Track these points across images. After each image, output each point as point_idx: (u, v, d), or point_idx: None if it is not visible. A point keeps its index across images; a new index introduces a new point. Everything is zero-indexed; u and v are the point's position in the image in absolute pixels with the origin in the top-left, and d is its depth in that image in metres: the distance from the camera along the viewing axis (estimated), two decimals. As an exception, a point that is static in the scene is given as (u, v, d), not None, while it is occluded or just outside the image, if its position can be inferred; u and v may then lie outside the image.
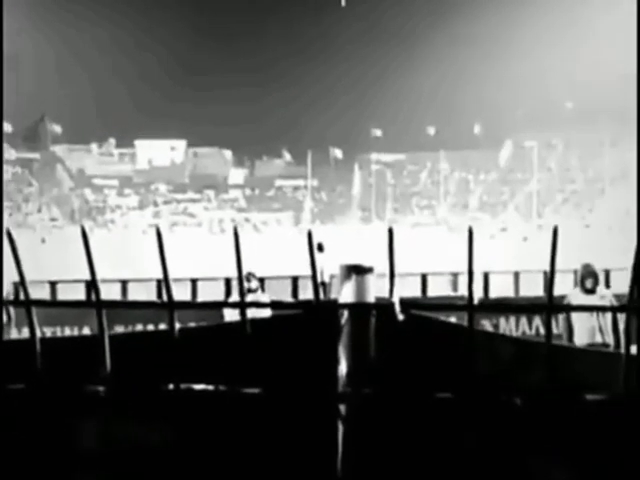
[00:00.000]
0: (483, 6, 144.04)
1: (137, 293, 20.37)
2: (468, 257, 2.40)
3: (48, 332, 15.65)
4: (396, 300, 2.52)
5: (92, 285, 2.48)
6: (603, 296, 10.23)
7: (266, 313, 2.82)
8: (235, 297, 12.49)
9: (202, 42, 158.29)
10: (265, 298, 12.62)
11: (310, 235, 2.50)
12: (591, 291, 10.19)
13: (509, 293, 21.45)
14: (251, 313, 2.61)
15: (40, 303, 2.57)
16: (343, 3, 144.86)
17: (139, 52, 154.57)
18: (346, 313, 2.56)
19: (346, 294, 2.57)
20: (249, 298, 11.71)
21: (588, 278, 10.26)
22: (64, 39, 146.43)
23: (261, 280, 21.06)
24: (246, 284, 11.94)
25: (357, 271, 2.59)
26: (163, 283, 2.59)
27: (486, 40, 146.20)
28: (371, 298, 2.58)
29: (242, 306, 2.53)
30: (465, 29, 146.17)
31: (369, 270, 2.61)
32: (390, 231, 2.40)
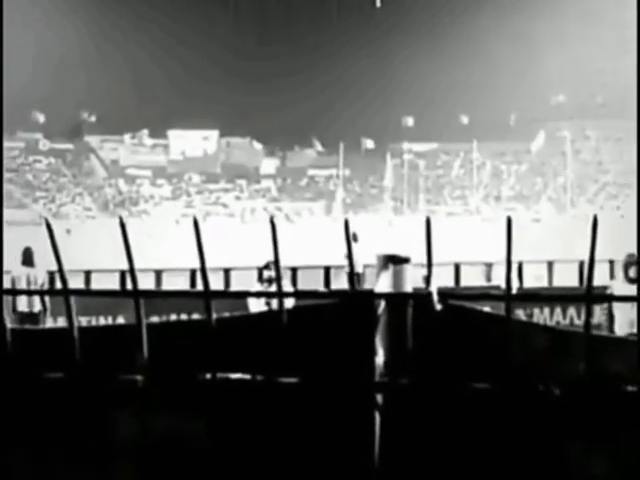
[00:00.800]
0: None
1: (170, 283, 20.47)
2: (507, 247, 2.38)
3: (83, 321, 15.76)
4: (434, 290, 2.51)
5: (130, 275, 2.49)
6: None
7: (289, 303, 2.81)
8: (257, 287, 12.48)
9: (234, 35, 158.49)
10: (289, 287, 12.63)
11: (347, 224, 2.49)
12: (635, 280, 10.10)
13: (543, 283, 21.33)
14: (275, 303, 2.61)
15: (78, 292, 2.59)
16: (378, 4, 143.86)
17: (172, 44, 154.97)
18: (383, 303, 2.56)
19: (383, 284, 2.57)
20: (273, 287, 11.63)
21: (631, 267, 10.18)
22: (99, 32, 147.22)
23: (293, 270, 21.12)
24: (268, 273, 11.93)
25: (394, 261, 2.59)
26: (199, 272, 2.59)
27: (520, 31, 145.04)
28: (408, 288, 2.57)
29: (280, 295, 2.54)
30: (499, 20, 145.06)
31: (406, 260, 2.60)
32: (428, 221, 2.39)
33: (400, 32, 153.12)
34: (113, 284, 19.04)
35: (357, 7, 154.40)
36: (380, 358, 2.55)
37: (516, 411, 2.47)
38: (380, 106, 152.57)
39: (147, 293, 2.60)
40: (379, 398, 2.55)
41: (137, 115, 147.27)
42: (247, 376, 2.59)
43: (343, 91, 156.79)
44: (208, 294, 2.55)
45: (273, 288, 12.38)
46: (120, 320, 17.10)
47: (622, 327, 9.94)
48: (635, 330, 9.93)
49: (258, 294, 5.14)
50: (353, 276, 2.67)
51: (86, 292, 2.66)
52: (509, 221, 2.39)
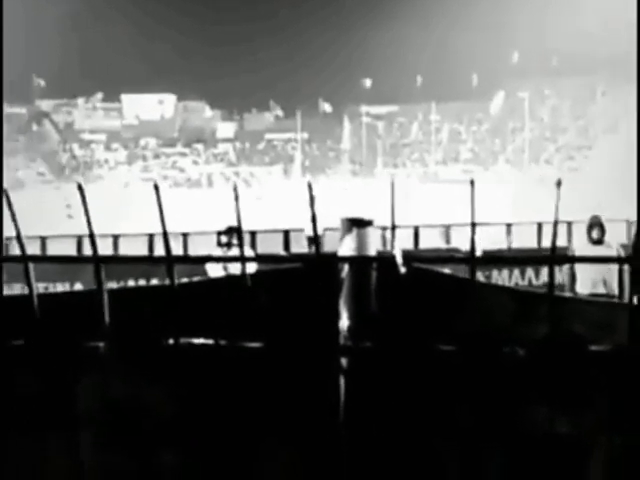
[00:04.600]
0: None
1: (127, 248, 20.32)
2: (471, 209, 2.37)
3: (40, 287, 15.57)
4: (397, 253, 2.49)
5: (90, 240, 2.45)
6: (609, 246, 10.26)
7: (251, 268, 2.79)
8: (217, 251, 12.46)
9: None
10: (250, 252, 12.66)
11: (310, 187, 2.47)
12: (598, 242, 10.23)
13: (502, 245, 21.49)
14: (235, 268, 2.59)
15: (37, 259, 2.54)
16: None
17: (127, 6, 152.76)
18: (347, 266, 2.54)
19: (347, 247, 2.55)
20: (232, 252, 11.67)
21: (594, 228, 10.31)
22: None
23: (252, 234, 21.05)
24: (227, 238, 11.89)
25: (357, 224, 2.57)
26: (162, 237, 2.56)
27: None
28: (372, 251, 2.56)
29: (242, 260, 2.51)
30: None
31: (369, 223, 2.58)
32: (392, 184, 2.38)
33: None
34: (69, 250, 18.87)
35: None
36: (344, 322, 2.54)
37: (481, 373, 2.47)
38: (338, 68, 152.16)
39: (108, 259, 2.56)
40: (344, 362, 2.54)
41: (91, 79, 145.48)
42: (210, 341, 2.57)
43: (300, 54, 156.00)
44: (171, 259, 2.52)
45: (232, 252, 12.34)
46: (78, 286, 16.97)
47: (584, 287, 10.06)
48: (597, 290, 10.06)
49: (221, 259, 5.09)
50: (317, 240, 2.65)
51: (45, 258, 2.62)
52: (472, 184, 2.39)
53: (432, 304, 2.54)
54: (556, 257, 2.37)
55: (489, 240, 20.85)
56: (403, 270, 2.50)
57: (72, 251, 18.63)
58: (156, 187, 2.45)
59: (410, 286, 2.52)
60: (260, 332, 2.57)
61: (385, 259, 2.50)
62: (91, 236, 2.49)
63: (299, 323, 2.59)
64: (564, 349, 2.36)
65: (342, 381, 2.54)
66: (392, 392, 2.55)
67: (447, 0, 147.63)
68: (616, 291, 10.00)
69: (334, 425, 2.55)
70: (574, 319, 2.45)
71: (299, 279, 2.62)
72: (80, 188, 2.47)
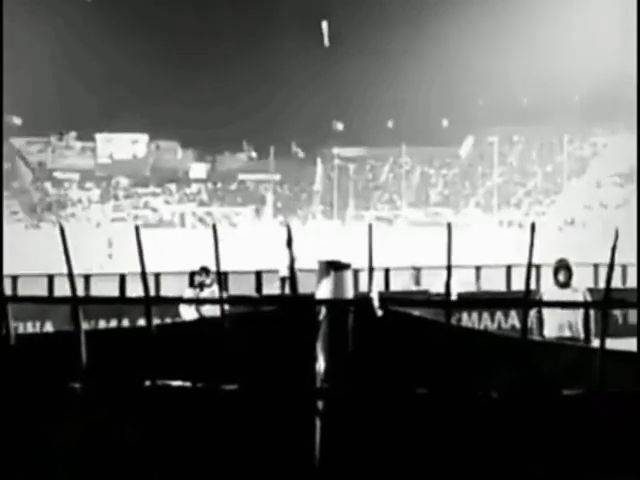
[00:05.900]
0: (450, 2, 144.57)
1: (98, 288, 20.16)
2: (447, 252, 2.41)
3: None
4: (375, 296, 2.52)
5: (69, 281, 2.46)
6: (576, 290, 10.33)
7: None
8: (189, 293, 12.35)
9: (167, 37, 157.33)
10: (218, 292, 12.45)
11: (289, 228, 2.50)
12: (565, 285, 10.30)
13: (470, 287, 21.56)
14: (206, 310, 2.61)
15: (17, 299, 2.54)
16: (326, 44, 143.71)
17: (101, 46, 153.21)
18: (324, 309, 2.56)
19: (324, 290, 2.57)
20: (205, 293, 11.52)
21: (561, 272, 10.38)
22: (27, 33, 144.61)
23: (224, 275, 20.98)
24: (200, 278, 11.76)
25: (335, 267, 2.59)
26: (140, 277, 2.57)
27: (450, 36, 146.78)
28: (349, 294, 2.58)
29: (221, 302, 2.53)
30: (431, 25, 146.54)
31: (347, 267, 2.61)
32: (370, 227, 2.41)
33: (333, 40, 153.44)
34: (40, 289, 18.69)
35: (298, 21, 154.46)
36: (321, 364, 2.56)
37: (456, 416, 2.50)
38: (311, 111, 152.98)
39: (86, 300, 2.57)
40: (320, 404, 2.55)
41: (65, 118, 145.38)
42: (187, 383, 2.58)
43: (273, 96, 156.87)
44: (149, 300, 2.53)
45: (204, 293, 12.19)
46: (48, 326, 16.81)
47: (551, 330, 10.10)
48: (563, 333, 10.12)
49: (199, 301, 5.09)
50: (295, 282, 2.66)
51: (26, 299, 2.62)
52: (449, 227, 2.43)
53: (408, 347, 2.57)
54: (530, 301, 2.41)
55: (458, 283, 20.91)
56: (379, 313, 2.52)
57: (44, 291, 18.46)
58: (137, 229, 2.47)
59: (386, 328, 2.54)
60: (237, 374, 2.58)
61: (362, 302, 2.52)
62: (70, 276, 2.50)
63: (276, 365, 2.60)
64: (537, 393, 2.39)
65: (318, 424, 2.55)
66: (368, 434, 2.56)
67: (416, 46, 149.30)
68: (582, 334, 10.05)
69: (310, 468, 2.56)
70: (547, 363, 2.48)
71: (276, 321, 2.64)
72: (61, 228, 2.48)
